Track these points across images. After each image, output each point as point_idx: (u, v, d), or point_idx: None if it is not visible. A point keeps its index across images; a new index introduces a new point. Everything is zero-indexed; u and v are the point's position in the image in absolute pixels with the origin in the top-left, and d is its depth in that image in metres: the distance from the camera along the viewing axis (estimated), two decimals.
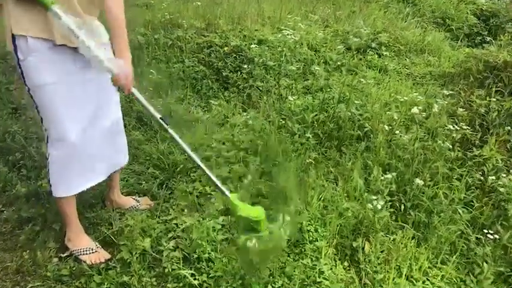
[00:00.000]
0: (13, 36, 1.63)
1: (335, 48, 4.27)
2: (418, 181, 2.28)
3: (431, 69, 4.04)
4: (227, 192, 1.99)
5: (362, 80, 3.50)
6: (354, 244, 2.15)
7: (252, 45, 3.88)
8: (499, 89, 3.25)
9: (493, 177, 2.39)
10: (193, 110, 3.24)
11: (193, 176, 2.49)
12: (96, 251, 2.02)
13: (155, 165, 2.60)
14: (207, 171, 1.98)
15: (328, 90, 3.31)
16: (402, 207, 2.42)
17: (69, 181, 1.90)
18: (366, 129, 2.84)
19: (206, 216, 2.19)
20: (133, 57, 1.80)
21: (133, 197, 2.40)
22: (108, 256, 2.02)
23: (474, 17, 6.20)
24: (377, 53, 4.36)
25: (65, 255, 2.02)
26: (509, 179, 2.47)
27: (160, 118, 1.89)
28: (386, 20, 5.37)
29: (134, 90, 1.80)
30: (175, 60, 3.87)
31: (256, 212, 1.95)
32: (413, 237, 2.25)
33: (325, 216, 2.26)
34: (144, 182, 2.50)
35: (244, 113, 3.21)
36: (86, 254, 2.00)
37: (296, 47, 4.10)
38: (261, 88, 3.48)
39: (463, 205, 2.47)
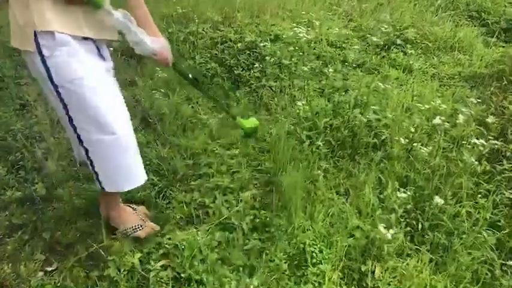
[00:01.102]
0: (35, 34, 1.54)
1: (357, 44, 4.01)
2: (438, 200, 2.05)
3: (461, 70, 3.72)
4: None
5: (383, 81, 3.24)
6: (363, 268, 1.95)
7: (266, 42, 3.67)
8: None
9: None
10: (201, 110, 3.08)
11: (193, 185, 2.34)
12: (146, 226, 2.05)
13: (155, 171, 2.45)
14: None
15: (345, 92, 3.07)
16: (420, 226, 2.20)
17: (133, 170, 1.86)
18: (383, 137, 2.60)
19: (202, 231, 2.04)
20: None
21: (130, 205, 2.26)
22: (157, 227, 2.07)
23: None
24: (402, 51, 4.06)
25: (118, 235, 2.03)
26: None
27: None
28: (415, 14, 5.04)
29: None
30: (188, 56, 3.71)
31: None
32: (430, 261, 2.03)
33: (331, 235, 2.06)
34: (141, 190, 2.36)
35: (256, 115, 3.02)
36: (138, 230, 2.03)
37: (315, 43, 3.86)
38: (273, 88, 3.27)
39: (489, 226, 2.22)
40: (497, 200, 2.33)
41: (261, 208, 2.20)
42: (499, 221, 2.26)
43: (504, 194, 2.36)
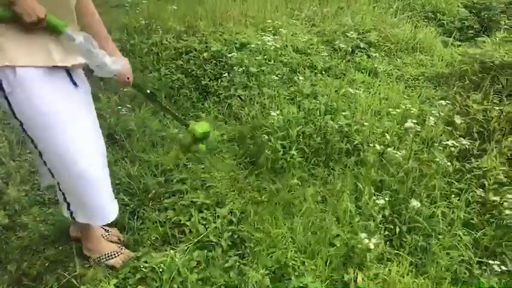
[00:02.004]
0: None
1: (322, 50, 4.03)
2: (415, 203, 2.06)
3: (424, 70, 3.81)
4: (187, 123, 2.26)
5: (350, 85, 3.27)
6: (346, 277, 1.93)
7: (233, 50, 3.63)
8: (496, 92, 3.04)
9: (497, 198, 2.17)
10: (169, 123, 3.00)
11: (167, 203, 2.25)
12: (121, 253, 1.97)
13: (125, 191, 2.35)
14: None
15: (314, 98, 3.07)
16: (397, 229, 2.21)
17: (105, 207, 1.79)
18: (355, 142, 2.61)
19: (179, 251, 1.96)
20: None
21: (103, 227, 2.16)
22: (132, 254, 1.98)
23: (466, 10, 5.98)
24: (366, 54, 4.12)
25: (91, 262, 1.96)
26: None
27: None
28: (375, 17, 5.13)
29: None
30: (152, 68, 3.61)
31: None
32: (410, 264, 2.04)
33: (312, 245, 2.03)
34: None
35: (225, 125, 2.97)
36: (113, 257, 1.95)
37: (281, 50, 3.85)
38: (243, 97, 3.23)
39: (463, 225, 2.26)
40: (469, 198, 2.37)
41: (239, 223, 2.14)
42: (472, 219, 2.31)
43: (476, 192, 2.41)
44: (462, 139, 2.46)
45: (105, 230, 2.14)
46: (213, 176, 2.40)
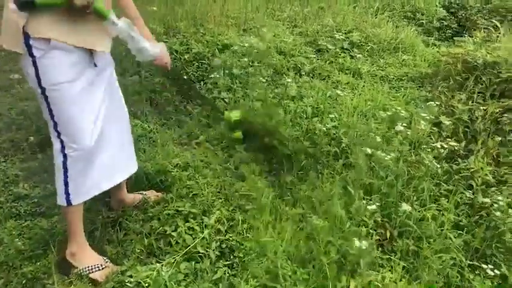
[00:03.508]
0: (26, 37, 1.56)
1: (305, 51, 3.99)
2: (406, 207, 2.03)
3: (407, 70, 3.81)
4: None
5: (335, 86, 3.23)
6: (338, 286, 1.88)
7: (216, 53, 3.55)
8: (480, 91, 3.05)
9: (486, 200, 2.16)
10: (152, 128, 2.90)
11: (151, 212, 2.16)
12: (105, 266, 1.90)
13: (107, 201, 2.25)
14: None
15: (301, 100, 3.03)
16: (388, 234, 2.18)
17: (86, 186, 1.84)
18: (343, 144, 2.57)
19: (166, 264, 1.87)
20: None
21: (140, 192, 2.30)
22: (116, 268, 1.89)
23: (443, 10, 6.05)
24: (349, 55, 4.10)
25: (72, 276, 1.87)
26: (501, 197, 2.26)
27: None
28: (356, 17, 5.14)
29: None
30: (132, 71, 3.50)
31: None
32: (403, 268, 2.01)
33: (303, 253, 1.97)
34: (90, 223, 2.15)
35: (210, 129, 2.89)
36: (97, 270, 1.89)
37: (264, 52, 3.79)
38: (227, 100, 3.16)
39: (453, 227, 2.25)
40: (458, 199, 2.36)
41: (227, 232, 2.07)
42: (462, 221, 2.30)
43: (464, 194, 2.39)
44: (449, 140, 2.45)
45: (142, 194, 2.26)
46: (199, 183, 2.31)
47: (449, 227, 2.20)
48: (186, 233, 2.03)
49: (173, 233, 2.03)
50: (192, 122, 2.97)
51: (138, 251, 1.98)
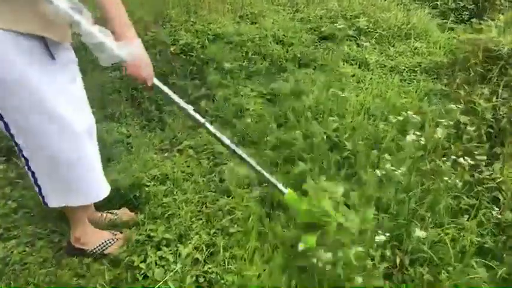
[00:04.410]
0: None
1: (306, 39, 3.60)
2: (419, 232, 1.69)
3: (420, 60, 3.40)
4: (284, 190, 1.75)
5: (339, 79, 2.86)
6: None
7: (205, 44, 3.20)
8: (506, 85, 2.65)
9: None
10: (131, 132, 2.57)
11: None
12: (117, 239, 1.82)
13: (63, 219, 1.93)
14: (263, 172, 1.75)
15: (297, 96, 2.67)
16: (398, 260, 1.84)
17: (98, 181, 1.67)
18: (346, 152, 2.21)
19: None
20: None
21: (110, 211, 1.99)
22: (133, 235, 1.80)
23: None
24: (356, 43, 3.71)
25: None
26: None
27: (193, 110, 1.64)
28: (364, 0, 4.70)
29: (156, 81, 1.51)
30: (114, 65, 3.16)
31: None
32: None
33: None
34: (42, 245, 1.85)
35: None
36: (110, 245, 1.80)
37: (260, 40, 3.43)
38: (216, 98, 2.81)
39: (476, 250, 1.89)
40: (481, 216, 2.00)
41: (206, 262, 1.75)
42: (486, 243, 1.94)
43: (489, 209, 2.03)
44: (471, 144, 2.09)
45: (112, 213, 1.97)
46: (177, 200, 1.99)
47: (471, 251, 1.85)
48: (156, 264, 1.71)
49: (142, 265, 1.71)
50: (176, 125, 2.64)
51: (99, 285, 1.68)
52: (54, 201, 1.63)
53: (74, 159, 1.55)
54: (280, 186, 1.75)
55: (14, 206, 2.06)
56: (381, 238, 1.55)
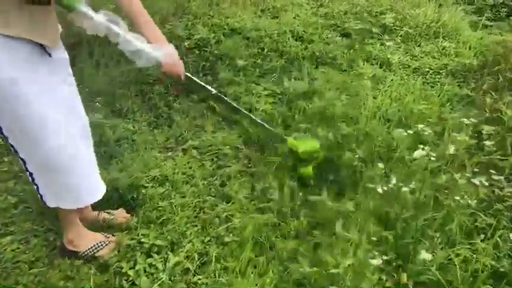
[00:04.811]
0: None
1: (327, 36, 3.46)
2: (424, 255, 1.56)
3: (447, 62, 3.19)
4: (285, 137, 2.15)
5: (357, 80, 2.72)
6: None
7: (220, 38, 3.11)
8: None
9: None
10: (137, 128, 2.53)
11: None
12: (109, 241, 1.78)
13: (53, 218, 1.90)
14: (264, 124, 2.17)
15: (310, 99, 2.55)
16: (402, 279, 1.71)
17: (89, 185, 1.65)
18: (355, 162, 2.08)
19: None
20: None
21: (107, 211, 1.96)
22: (119, 239, 1.78)
23: None
24: (379, 40, 3.53)
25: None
26: None
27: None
28: None
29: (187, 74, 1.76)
30: (124, 59, 3.12)
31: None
32: None
33: None
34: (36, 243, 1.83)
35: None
36: (101, 248, 1.76)
37: (278, 36, 3.31)
38: (227, 96, 2.72)
39: (491, 275, 1.74)
40: (498, 238, 1.84)
41: (196, 272, 1.68)
42: (503, 266, 1.78)
43: (507, 229, 1.87)
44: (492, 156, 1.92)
45: (108, 213, 1.94)
46: (173, 204, 1.93)
47: (484, 275, 1.71)
48: (145, 271, 1.66)
49: (130, 271, 1.66)
50: (184, 122, 2.57)
51: None
52: (50, 202, 1.62)
53: (64, 162, 1.53)
54: (281, 135, 2.16)
55: (15, 201, 2.05)
56: (375, 262, 1.43)
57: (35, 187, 1.59)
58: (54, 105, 1.44)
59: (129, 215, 1.94)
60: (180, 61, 1.66)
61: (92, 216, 1.92)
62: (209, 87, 2.03)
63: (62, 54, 1.52)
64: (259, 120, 2.21)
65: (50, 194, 1.60)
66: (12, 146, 1.47)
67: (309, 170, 2.06)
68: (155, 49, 1.54)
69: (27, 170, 1.53)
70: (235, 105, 2.21)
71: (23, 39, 1.32)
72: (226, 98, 2.17)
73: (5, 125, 1.41)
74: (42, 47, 1.38)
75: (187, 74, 1.76)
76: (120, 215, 1.94)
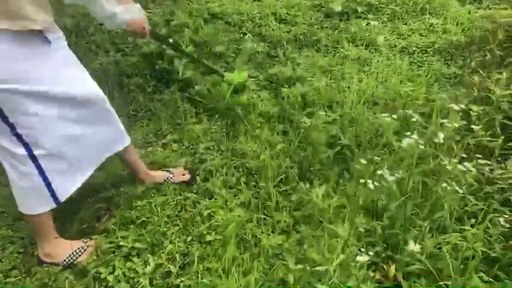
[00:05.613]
0: None
1: (310, 17, 3.35)
2: (412, 246, 1.50)
3: (435, 39, 3.10)
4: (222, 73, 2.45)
5: (342, 63, 2.63)
6: None
7: (201, 23, 2.99)
8: None
9: None
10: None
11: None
12: (88, 246, 1.71)
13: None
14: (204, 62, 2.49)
15: (294, 83, 2.46)
16: (391, 270, 1.67)
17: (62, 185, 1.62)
18: (340, 144, 2.02)
19: None
20: None
21: (167, 169, 2.05)
22: (98, 243, 1.72)
23: None
24: (365, 20, 3.42)
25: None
26: None
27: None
28: None
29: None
30: (102, 48, 3.01)
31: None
32: None
33: None
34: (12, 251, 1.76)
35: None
36: (80, 255, 1.69)
37: (260, 19, 3.20)
38: (206, 84, 2.63)
39: (482, 261, 1.70)
40: (488, 222, 1.79)
41: (178, 274, 1.61)
42: (495, 251, 1.74)
43: (499, 213, 1.82)
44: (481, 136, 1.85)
45: (169, 171, 2.02)
46: (152, 203, 1.85)
47: (475, 262, 1.66)
48: (125, 276, 1.59)
49: (109, 277, 1.59)
50: (165, 115, 2.48)
51: None
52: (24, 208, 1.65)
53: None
54: (218, 69, 2.49)
55: None
56: (362, 259, 1.37)
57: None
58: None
59: (187, 172, 2.03)
60: (145, 19, 1.75)
61: (149, 176, 1.96)
62: (170, 40, 2.20)
63: (60, 42, 1.53)
64: (203, 60, 2.53)
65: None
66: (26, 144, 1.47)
67: (243, 98, 2.37)
68: (123, 12, 1.62)
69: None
70: (182, 49, 2.49)
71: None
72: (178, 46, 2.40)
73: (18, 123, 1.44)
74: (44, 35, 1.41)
75: (152, 29, 1.84)
76: (179, 173, 2.02)
